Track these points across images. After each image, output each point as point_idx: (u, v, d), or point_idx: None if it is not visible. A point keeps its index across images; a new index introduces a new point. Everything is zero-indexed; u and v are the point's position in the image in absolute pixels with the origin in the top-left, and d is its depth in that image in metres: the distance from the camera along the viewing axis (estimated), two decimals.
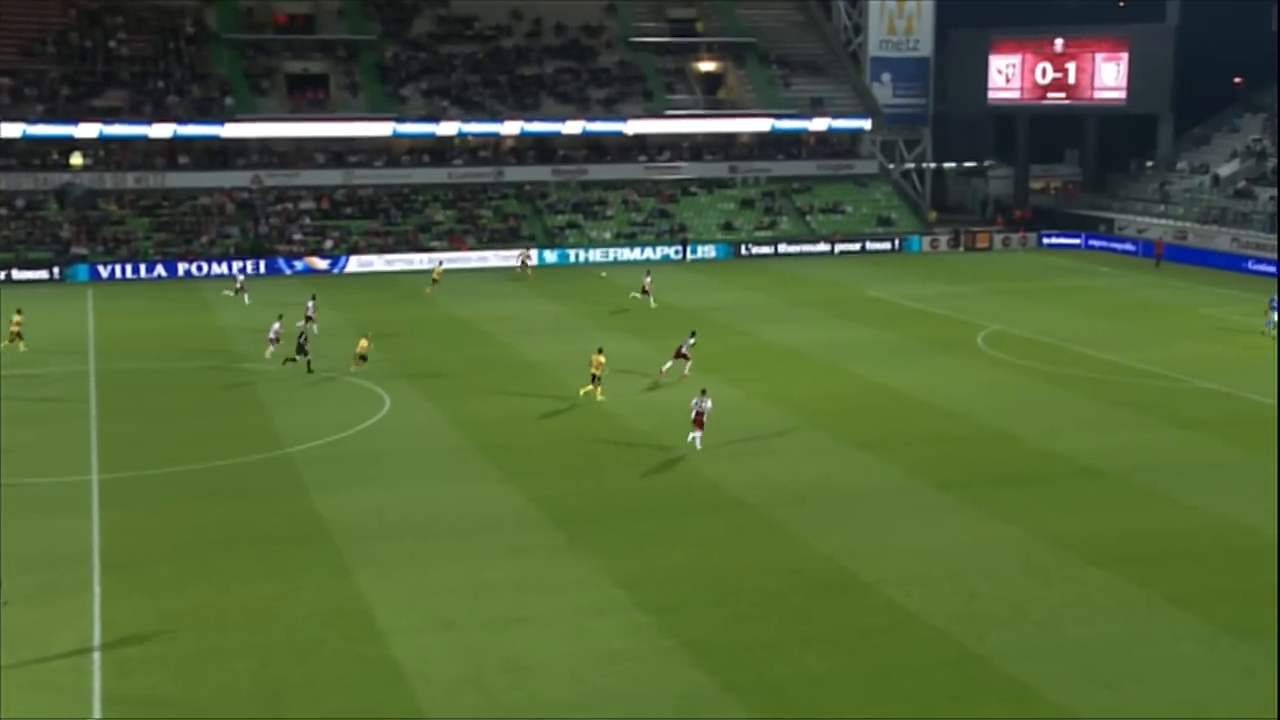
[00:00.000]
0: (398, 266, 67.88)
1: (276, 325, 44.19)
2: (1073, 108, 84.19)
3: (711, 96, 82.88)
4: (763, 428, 35.42)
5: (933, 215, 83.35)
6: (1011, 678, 20.30)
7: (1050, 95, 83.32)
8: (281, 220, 71.65)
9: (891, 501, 28.87)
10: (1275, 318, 48.62)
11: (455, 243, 71.96)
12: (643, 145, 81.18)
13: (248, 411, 36.90)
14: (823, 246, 75.21)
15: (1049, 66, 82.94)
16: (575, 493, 29.52)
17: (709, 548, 26.02)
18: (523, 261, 66.66)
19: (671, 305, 53.45)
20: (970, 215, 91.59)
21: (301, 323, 45.65)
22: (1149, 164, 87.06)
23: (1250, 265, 66.18)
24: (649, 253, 73.02)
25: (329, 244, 70.24)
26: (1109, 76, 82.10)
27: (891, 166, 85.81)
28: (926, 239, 77.63)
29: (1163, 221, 75.87)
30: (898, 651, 21.28)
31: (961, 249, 77.33)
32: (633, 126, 79.52)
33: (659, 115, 79.67)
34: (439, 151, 77.78)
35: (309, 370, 41.25)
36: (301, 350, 41.54)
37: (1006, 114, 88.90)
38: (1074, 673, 20.38)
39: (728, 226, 76.84)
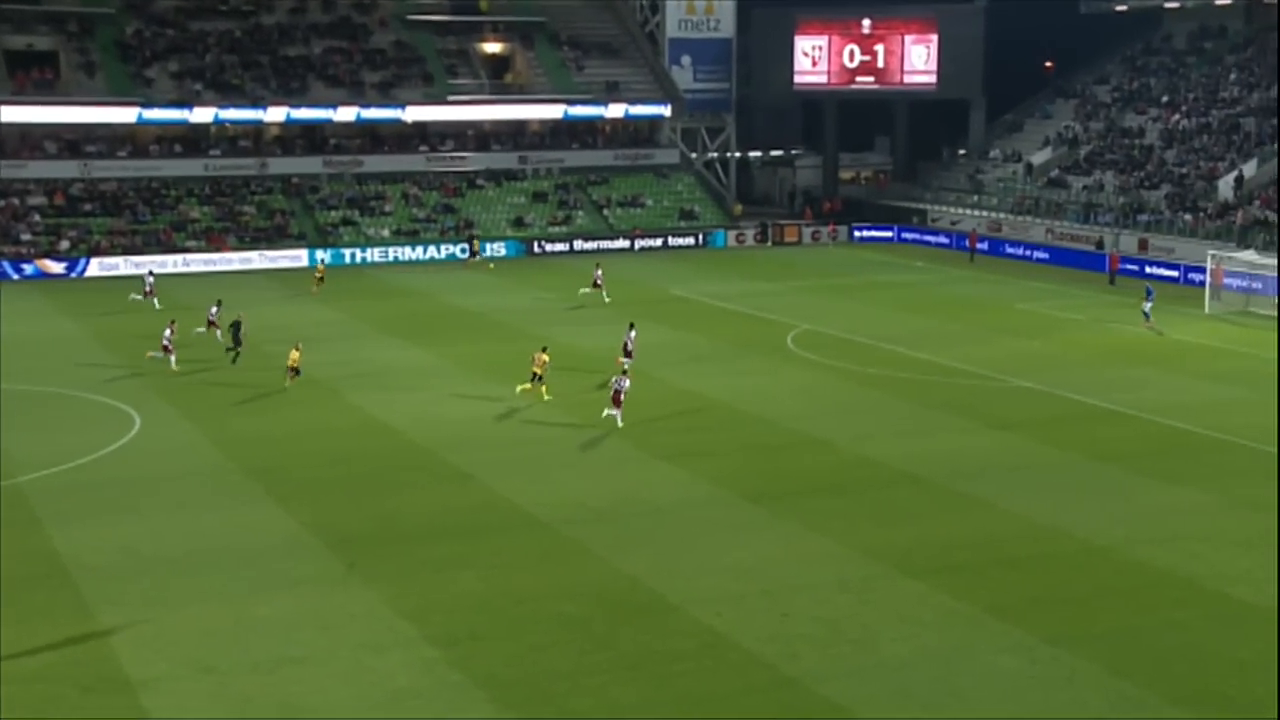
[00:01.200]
0: (144, 270, 65.47)
1: (168, 332, 43.91)
2: (882, 93, 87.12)
3: (498, 81, 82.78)
4: (560, 440, 35.47)
5: (738, 208, 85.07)
6: (827, 700, 20.77)
7: (859, 80, 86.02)
8: (5, 218, 68.35)
9: (699, 516, 29.25)
10: (1147, 307, 51.39)
11: (214, 242, 69.97)
12: (423, 134, 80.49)
13: None
14: (622, 243, 75.89)
15: (856, 49, 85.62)
16: (353, 516, 28.99)
17: (503, 572, 25.89)
18: (472, 249, 68.31)
19: (457, 309, 53.08)
20: (778, 208, 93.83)
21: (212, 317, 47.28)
22: (961, 152, 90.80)
23: (1067, 258, 69.55)
24: (433, 251, 72.41)
25: (64, 245, 67.39)
26: (918, 60, 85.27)
27: (694, 156, 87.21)
28: (732, 233, 79.16)
29: (976, 212, 79.18)
30: (707, 677, 21.54)
31: (769, 243, 79.10)
32: (412, 113, 78.77)
33: (441, 101, 79.12)
34: (193, 141, 75.53)
35: (233, 361, 43.88)
36: (237, 340, 44.28)
37: (814, 100, 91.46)
38: (892, 693, 20.99)
39: (518, 222, 76.83)
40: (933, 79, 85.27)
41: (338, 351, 46.67)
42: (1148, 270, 64.51)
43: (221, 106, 74.60)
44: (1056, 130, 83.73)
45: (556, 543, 27.57)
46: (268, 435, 35.78)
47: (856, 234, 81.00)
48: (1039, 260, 70.63)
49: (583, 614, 23.90)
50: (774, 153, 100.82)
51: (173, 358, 43.64)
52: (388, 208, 75.67)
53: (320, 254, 69.21)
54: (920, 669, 21.75)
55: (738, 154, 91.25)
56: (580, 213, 78.76)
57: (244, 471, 32.36)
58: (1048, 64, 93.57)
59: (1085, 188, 76.16)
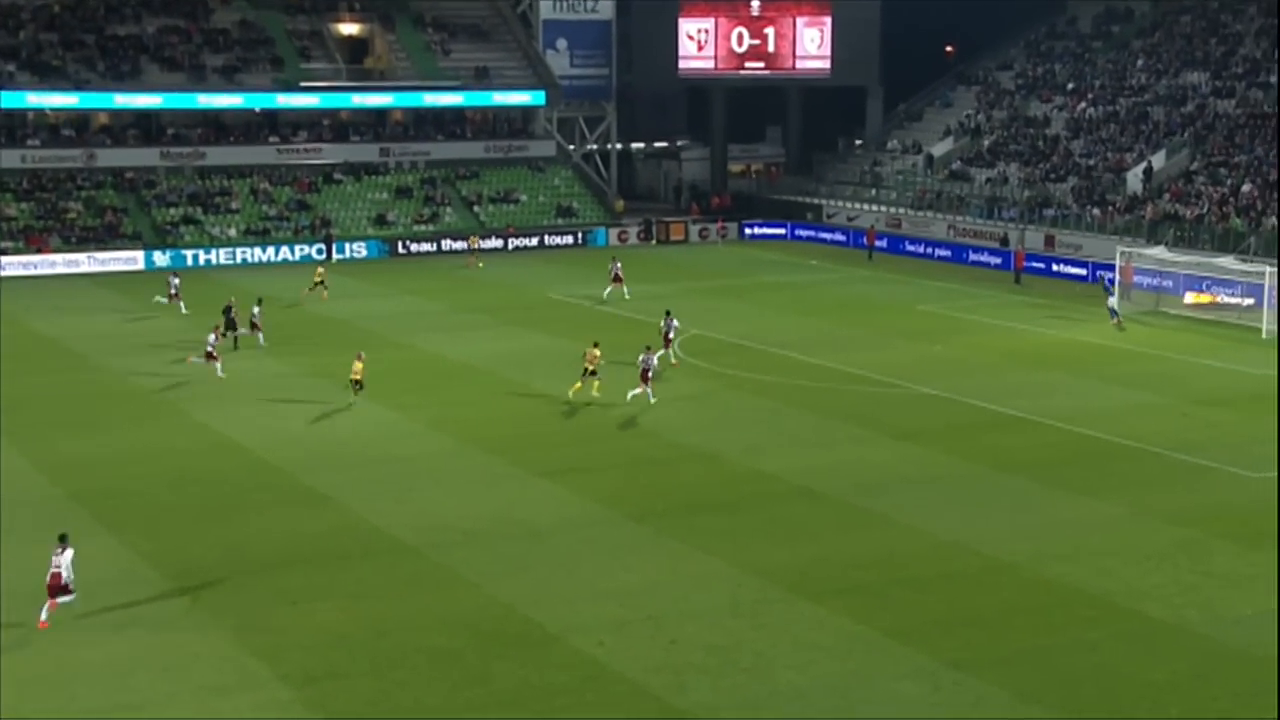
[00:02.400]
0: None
1: (212, 337, 44.26)
2: (773, 79, 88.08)
3: (356, 66, 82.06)
4: (427, 456, 35.25)
5: (620, 204, 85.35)
6: None
7: (748, 65, 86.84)
8: None
9: (580, 537, 29.26)
10: (1114, 302, 52.75)
11: (34, 243, 68.32)
12: (273, 124, 79.50)
13: None
14: (495, 242, 75.69)
15: (745, 32, 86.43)
16: (197, 545, 28.51)
17: (365, 602, 25.65)
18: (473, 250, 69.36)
19: (316, 316, 52.51)
20: (663, 203, 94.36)
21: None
22: (858, 143, 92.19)
23: (970, 256, 70.91)
24: (286, 252, 71.55)
25: None
26: (811, 44, 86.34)
27: (571, 148, 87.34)
28: (614, 231, 79.40)
29: (874, 208, 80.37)
30: (590, 712, 21.55)
31: (653, 242, 79.46)
32: (260, 101, 77.73)
33: (292, 88, 78.23)
34: (6, 129, 73.73)
35: (235, 346, 47.22)
36: (232, 326, 47.71)
37: (700, 87, 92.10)
38: None
39: (381, 220, 76.25)
40: (826, 65, 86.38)
41: (178, 364, 45.82)
42: (1055, 268, 66.02)
43: (40, 90, 72.91)
44: (958, 119, 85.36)
45: (424, 569, 27.38)
46: (99, 457, 35.05)
47: (747, 231, 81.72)
48: (941, 258, 71.90)
49: (453, 646, 23.76)
50: (658, 144, 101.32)
51: (218, 365, 43.58)
52: (234, 205, 74.56)
53: (320, 258, 69.89)
54: (818, 698, 21.99)
55: (619, 146, 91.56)
56: (448, 210, 78.39)
57: (71, 498, 31.64)
58: (948, 48, 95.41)
59: (989, 181, 77.73)
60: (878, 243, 74.05)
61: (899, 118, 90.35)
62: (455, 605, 25.56)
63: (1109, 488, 32.52)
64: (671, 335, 45.87)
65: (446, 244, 74.48)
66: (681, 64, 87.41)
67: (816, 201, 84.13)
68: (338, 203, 76.87)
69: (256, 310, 49.67)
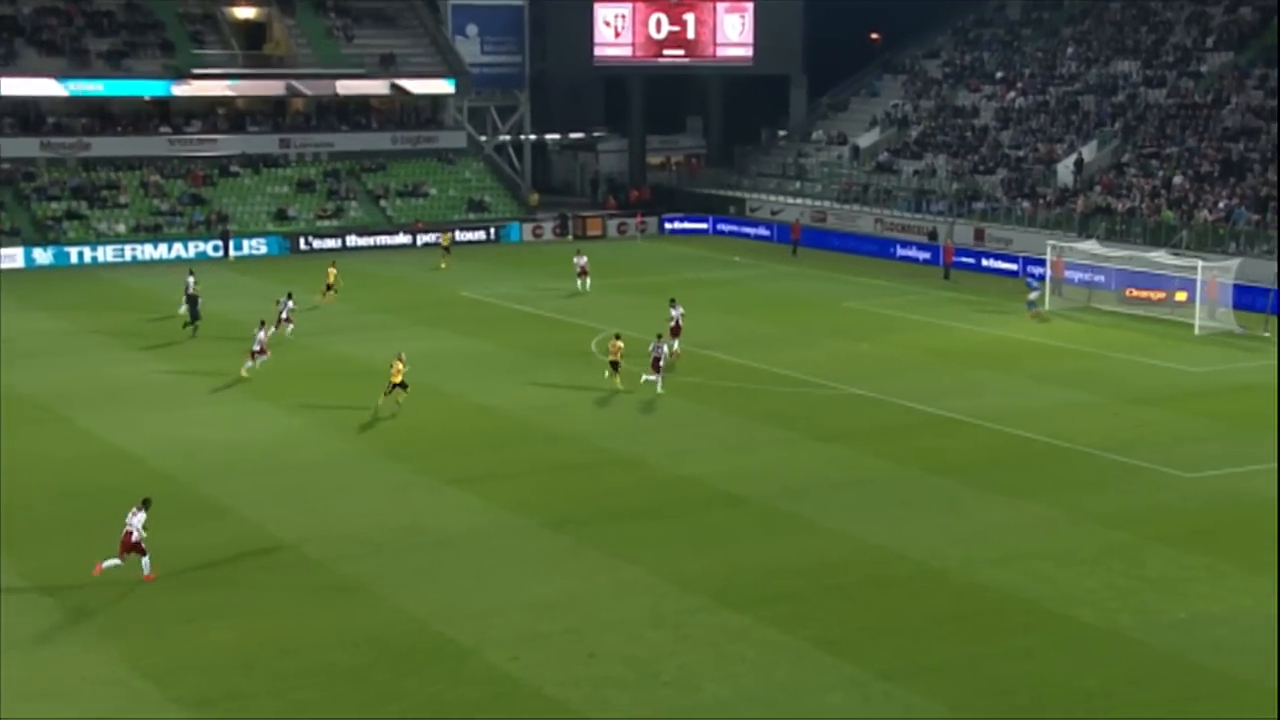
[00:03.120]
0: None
1: (261, 334, 44.57)
2: (693, 68, 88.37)
3: (254, 52, 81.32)
4: (331, 464, 35.06)
5: (535, 198, 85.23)
6: None
7: (667, 53, 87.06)
8: None
9: (494, 547, 29.20)
10: (1035, 296, 53.62)
11: None
12: (165, 113, 78.58)
13: None
14: (403, 238, 75.33)
15: (664, 18, 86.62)
16: (84, 562, 28.05)
17: (265, 619, 25.42)
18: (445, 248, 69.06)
19: (210, 316, 51.87)
20: (579, 197, 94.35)
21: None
22: (781, 134, 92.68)
23: (898, 251, 71.52)
24: (179, 249, 70.74)
25: None
26: (732, 31, 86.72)
27: (483, 139, 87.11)
28: (528, 226, 79.32)
29: (799, 201, 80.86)
30: None
31: (570, 237, 79.40)
32: (150, 88, 76.76)
33: (184, 75, 77.31)
34: None
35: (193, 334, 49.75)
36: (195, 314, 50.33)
37: (617, 75, 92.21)
38: None
39: (281, 215, 75.62)
40: (749, 53, 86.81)
41: (61, 367, 45.17)
42: (984, 263, 66.76)
43: None
44: (884, 109, 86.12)
45: (328, 583, 27.18)
46: None
47: (667, 226, 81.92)
48: (868, 253, 72.45)
49: (361, 664, 23.61)
50: (574, 135, 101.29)
51: (254, 362, 44.26)
52: (123, 199, 73.57)
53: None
54: (743, 711, 22.08)
55: (533, 137, 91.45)
56: (353, 204, 77.89)
57: None
58: (874, 36, 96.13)
59: (917, 173, 78.48)
60: (802, 237, 74.50)
61: (824, 108, 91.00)
62: (362, 620, 25.39)
63: (1041, 490, 32.94)
64: (679, 324, 47.33)
65: (351, 239, 74.01)
66: (597, 51, 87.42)
67: (739, 195, 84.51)
68: (235, 197, 76.10)
69: (290, 304, 50.69)
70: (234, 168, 77.80)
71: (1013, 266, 65.31)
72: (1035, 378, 44.64)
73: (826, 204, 79.65)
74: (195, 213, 73.91)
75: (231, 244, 71.19)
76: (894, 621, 25.44)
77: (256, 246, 72.01)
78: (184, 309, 52.10)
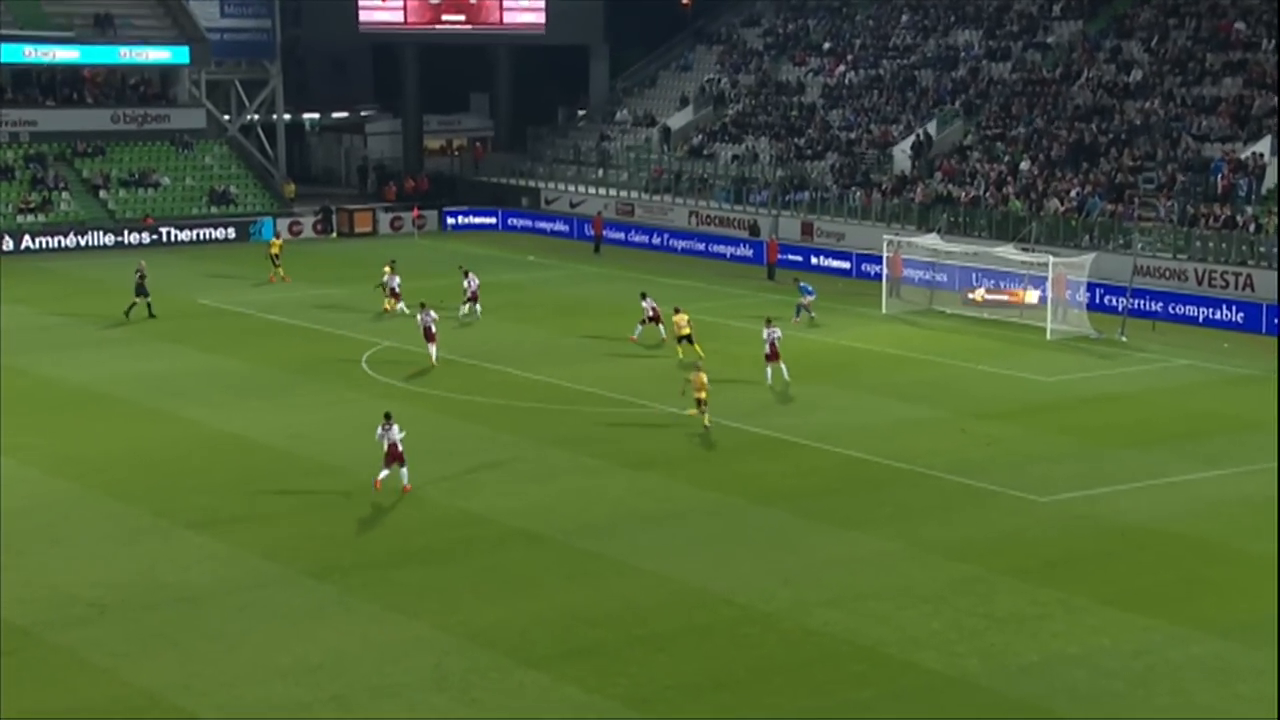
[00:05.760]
0: None
1: (424, 316, 48.56)
2: (477, 36, 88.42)
3: None
4: (43, 509, 34.23)
5: (291, 188, 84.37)
6: None
7: (446, 19, 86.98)
8: None
9: (245, 602, 28.73)
10: (807, 301, 54.76)
11: None
12: None
13: None
14: (130, 236, 73.81)
15: None
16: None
17: None
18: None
19: None
20: (345, 188, 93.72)
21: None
22: (581, 113, 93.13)
23: (716, 247, 72.27)
24: None
25: None
26: None
27: (227, 119, 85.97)
28: (284, 222, 78.33)
29: (602, 191, 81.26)
30: None
31: (334, 235, 78.75)
32: None
33: None
34: None
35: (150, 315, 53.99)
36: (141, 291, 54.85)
37: (388, 45, 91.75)
38: None
39: None
40: (541, 20, 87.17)
41: None
42: (814, 261, 67.80)
43: None
44: (698, 85, 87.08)
45: (39, 653, 26.42)
46: None
47: (449, 220, 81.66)
48: (682, 251, 73.10)
49: None
50: (337, 115, 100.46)
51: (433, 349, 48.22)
52: None
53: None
54: None
55: (288, 116, 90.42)
56: (65, 195, 76.00)
57: None
58: (684, 1, 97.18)
59: (736, 158, 79.50)
60: (606, 233, 74.86)
61: (629, 83, 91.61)
62: (81, 697, 24.72)
63: (879, 519, 33.53)
64: (654, 314, 51.28)
65: (65, 240, 72.17)
66: (363, 16, 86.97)
67: (533, 184, 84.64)
68: None
69: (397, 279, 56.79)
70: None
71: (845, 264, 66.50)
72: (872, 390, 45.46)
73: (634, 195, 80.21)
74: None
75: None
76: (716, 675, 25.62)
77: None
78: None
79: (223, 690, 24.91)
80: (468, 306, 55.48)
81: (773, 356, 45.56)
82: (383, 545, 31.98)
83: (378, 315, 56.75)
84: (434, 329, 48.05)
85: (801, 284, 56.27)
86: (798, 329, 53.25)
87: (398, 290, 56.79)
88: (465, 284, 55.81)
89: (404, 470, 34.88)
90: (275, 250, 64.91)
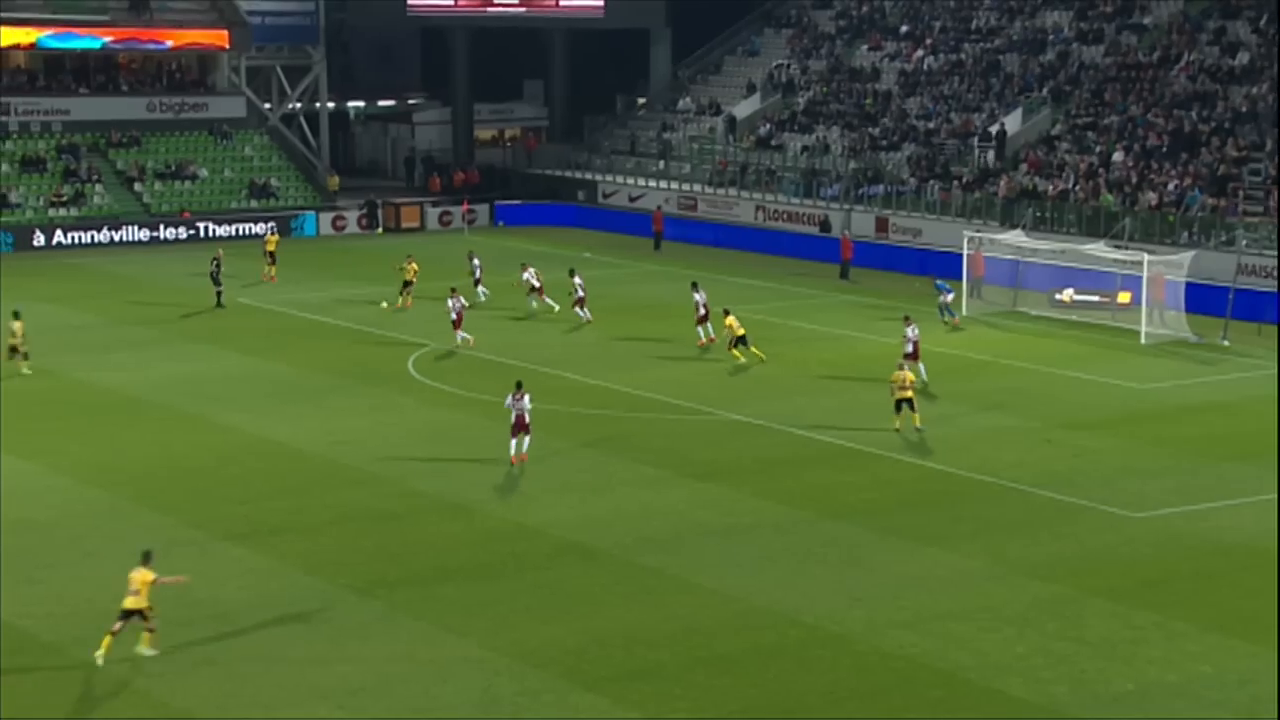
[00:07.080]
0: None
1: (454, 301, 51.53)
2: (532, 20, 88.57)
3: None
4: (75, 519, 34.44)
5: (334, 181, 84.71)
6: None
7: (499, 2, 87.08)
8: None
9: (285, 618, 28.82)
10: (948, 300, 54.79)
11: None
12: None
13: None
14: (166, 231, 74.27)
15: None
16: None
17: None
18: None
19: None
20: (391, 180, 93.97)
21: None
22: (641, 102, 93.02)
23: (784, 244, 72.08)
24: None
25: None
26: None
27: (268, 108, 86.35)
28: (327, 216, 78.70)
29: (663, 184, 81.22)
30: None
31: (380, 230, 78.99)
32: None
33: None
34: None
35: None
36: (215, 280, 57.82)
37: (438, 29, 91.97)
38: None
39: (1, 201, 74.06)
40: (599, 1, 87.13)
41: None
42: (890, 259, 67.55)
43: None
44: (766, 72, 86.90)
45: (70, 671, 26.58)
46: None
47: (501, 214, 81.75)
48: (748, 248, 72.95)
49: None
50: (383, 103, 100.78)
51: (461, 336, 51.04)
52: None
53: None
54: None
55: (331, 105, 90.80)
56: (99, 188, 76.61)
57: None
58: None
59: (805, 150, 79.31)
60: (667, 229, 74.81)
61: (693, 70, 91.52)
62: (114, 716, 24.90)
63: (959, 535, 33.35)
64: (704, 312, 51.56)
65: (99, 235, 72.71)
66: (412, 0, 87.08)
67: (590, 177, 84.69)
68: None
69: (479, 264, 60.04)
70: None
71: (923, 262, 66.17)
72: (953, 398, 45.25)
73: (696, 188, 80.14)
74: None
75: None
76: (783, 700, 25.57)
77: None
78: None
79: (260, 711, 25.03)
80: (581, 310, 55.88)
81: (914, 356, 45.78)
82: (430, 559, 32.04)
83: (391, 310, 57.30)
84: (463, 316, 50.82)
85: (938, 282, 55.99)
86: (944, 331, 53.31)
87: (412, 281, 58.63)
88: (574, 284, 56.18)
89: (527, 439, 37.67)
90: (271, 247, 64.89)
